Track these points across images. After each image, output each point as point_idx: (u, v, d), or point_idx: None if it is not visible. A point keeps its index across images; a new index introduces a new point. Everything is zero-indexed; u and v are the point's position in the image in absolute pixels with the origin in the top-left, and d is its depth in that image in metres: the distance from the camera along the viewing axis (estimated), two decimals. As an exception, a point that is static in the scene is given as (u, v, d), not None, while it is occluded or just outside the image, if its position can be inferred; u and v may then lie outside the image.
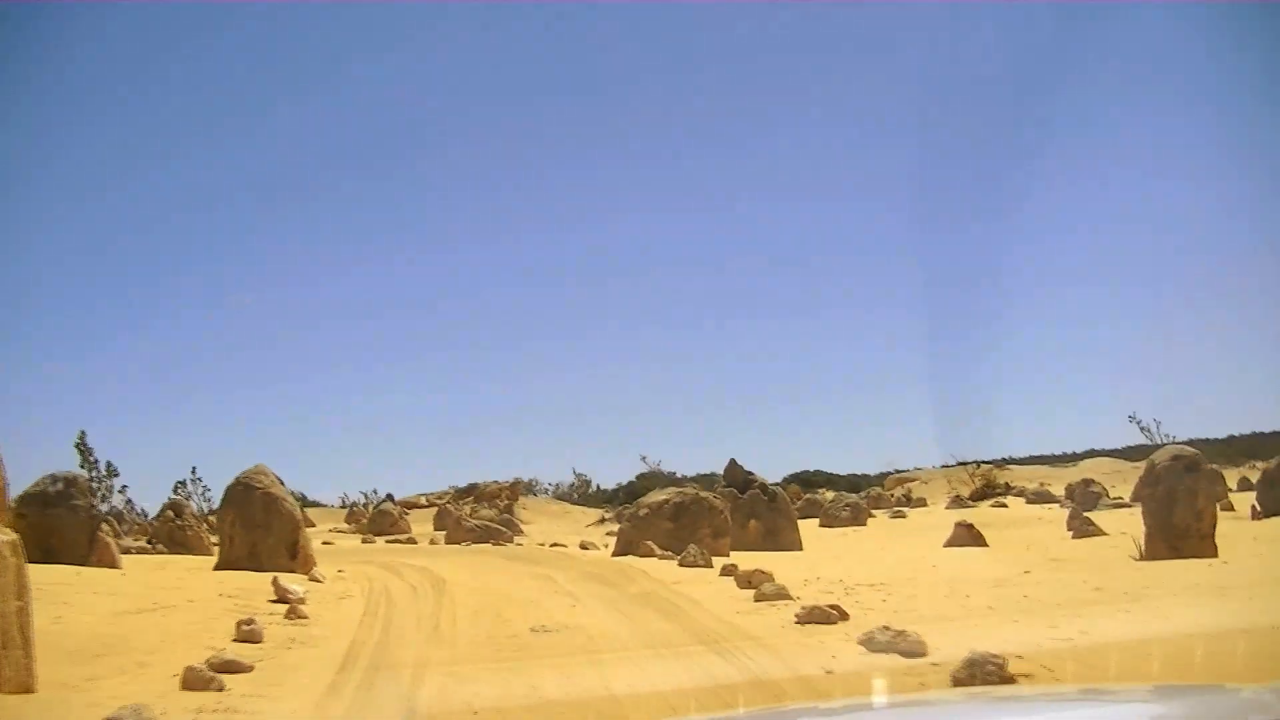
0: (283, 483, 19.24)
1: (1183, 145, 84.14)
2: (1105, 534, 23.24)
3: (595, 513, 58.27)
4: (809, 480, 79.56)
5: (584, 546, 25.51)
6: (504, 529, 34.80)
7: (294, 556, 18.03)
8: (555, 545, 26.51)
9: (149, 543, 26.67)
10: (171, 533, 25.47)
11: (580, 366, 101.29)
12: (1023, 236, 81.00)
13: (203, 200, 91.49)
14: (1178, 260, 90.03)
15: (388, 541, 32.04)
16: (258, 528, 18.04)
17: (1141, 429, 50.30)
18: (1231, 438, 63.37)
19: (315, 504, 70.73)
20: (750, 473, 28.20)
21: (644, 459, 66.66)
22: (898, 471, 76.75)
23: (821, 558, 21.41)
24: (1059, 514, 30.96)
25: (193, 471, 45.18)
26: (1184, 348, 78.27)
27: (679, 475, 72.18)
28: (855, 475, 79.64)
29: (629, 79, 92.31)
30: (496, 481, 60.34)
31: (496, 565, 20.81)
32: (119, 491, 39.94)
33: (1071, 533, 24.36)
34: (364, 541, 32.71)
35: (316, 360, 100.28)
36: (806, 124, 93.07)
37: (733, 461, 28.43)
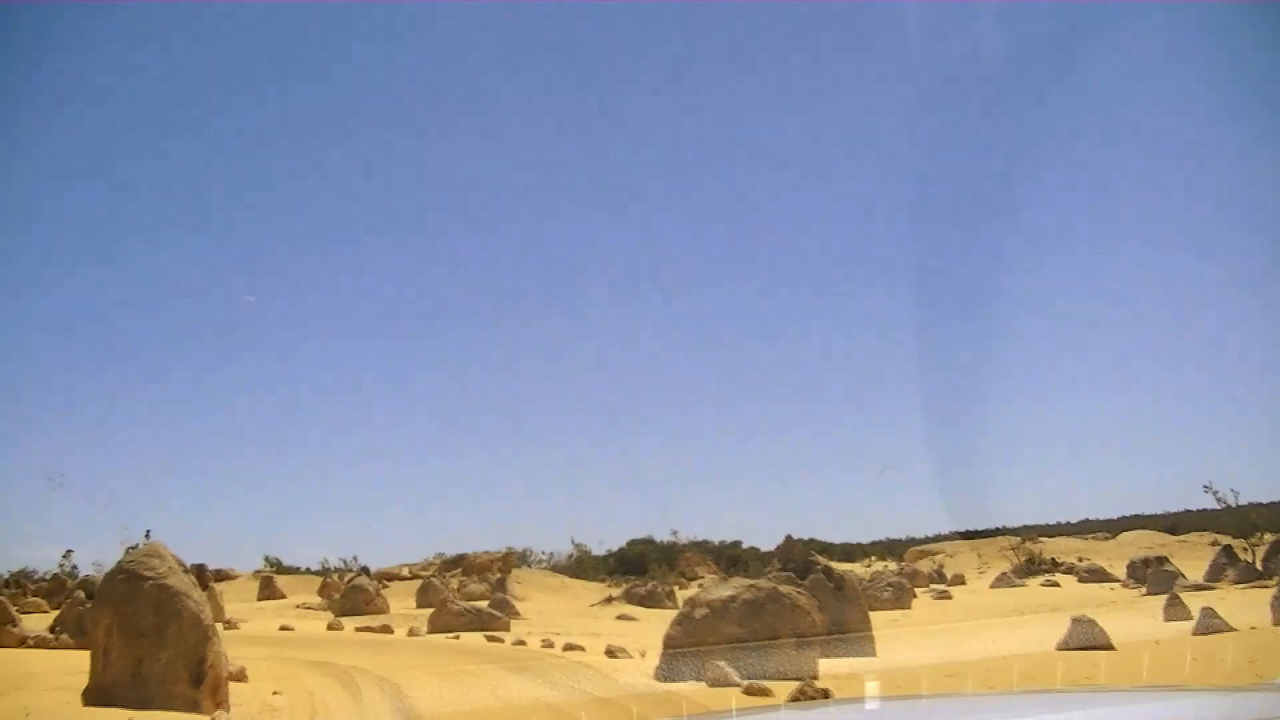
0: (190, 570, 13.61)
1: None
2: (1233, 628, 18.63)
3: (596, 588, 52.69)
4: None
5: (611, 654, 19.35)
6: (497, 613, 29.20)
7: (198, 681, 12.38)
8: (570, 648, 20.48)
9: (52, 630, 21.06)
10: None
11: (569, 433, 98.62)
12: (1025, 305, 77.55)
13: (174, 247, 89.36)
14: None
15: (358, 630, 26.23)
16: (145, 637, 12.33)
17: (1217, 498, 44.93)
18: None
19: (291, 569, 65.40)
20: (810, 551, 22.74)
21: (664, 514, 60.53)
22: (911, 541, 73.86)
23: (918, 665, 16.07)
24: (1129, 596, 29.02)
25: (146, 535, 39.33)
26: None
27: (675, 540, 69.91)
28: (849, 544, 77.03)
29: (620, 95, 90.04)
30: (487, 552, 54.77)
31: (496, 691, 15.01)
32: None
33: (1168, 620, 21.29)
34: (329, 628, 26.84)
35: (297, 417, 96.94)
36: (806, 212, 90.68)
37: (789, 538, 22.91)
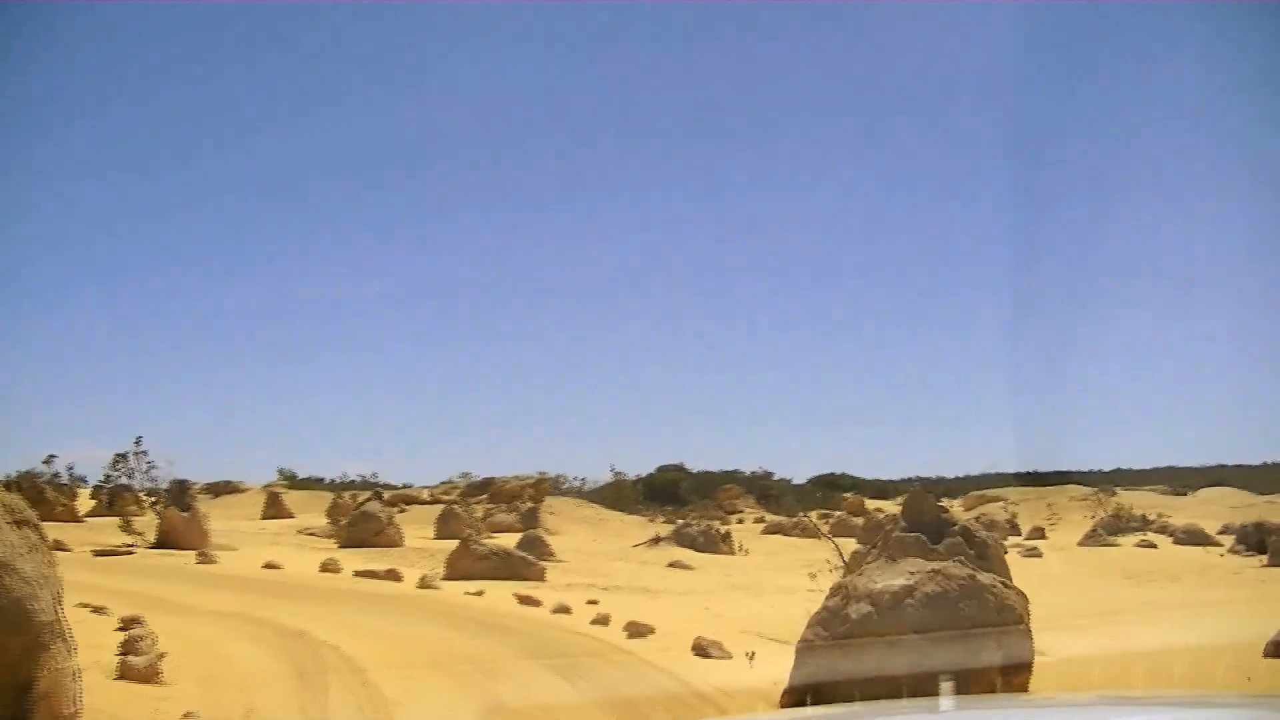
0: (28, 523, 8.19)
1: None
2: None
3: (636, 523, 47.77)
4: (834, 484, 71.70)
5: (703, 652, 12.96)
6: (529, 557, 24.09)
7: (26, 708, 7.09)
8: (636, 632, 14.53)
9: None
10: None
11: (604, 359, 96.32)
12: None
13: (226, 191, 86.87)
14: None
15: (358, 574, 21.03)
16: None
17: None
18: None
19: (307, 483, 61.06)
20: (943, 507, 17.58)
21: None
22: (961, 482, 69.57)
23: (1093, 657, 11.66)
24: (1241, 565, 26.81)
25: (136, 442, 34.17)
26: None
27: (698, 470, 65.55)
28: (882, 482, 72.86)
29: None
30: (518, 476, 49.81)
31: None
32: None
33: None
34: (324, 568, 21.71)
35: (324, 319, 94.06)
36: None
37: (919, 491, 17.68)
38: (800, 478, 71.44)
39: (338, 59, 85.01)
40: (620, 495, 56.87)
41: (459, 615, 15.70)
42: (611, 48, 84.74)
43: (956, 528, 16.62)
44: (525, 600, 17.38)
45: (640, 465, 66.50)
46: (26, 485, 40.33)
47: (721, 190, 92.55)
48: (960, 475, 70.78)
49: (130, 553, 24.60)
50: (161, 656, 10.67)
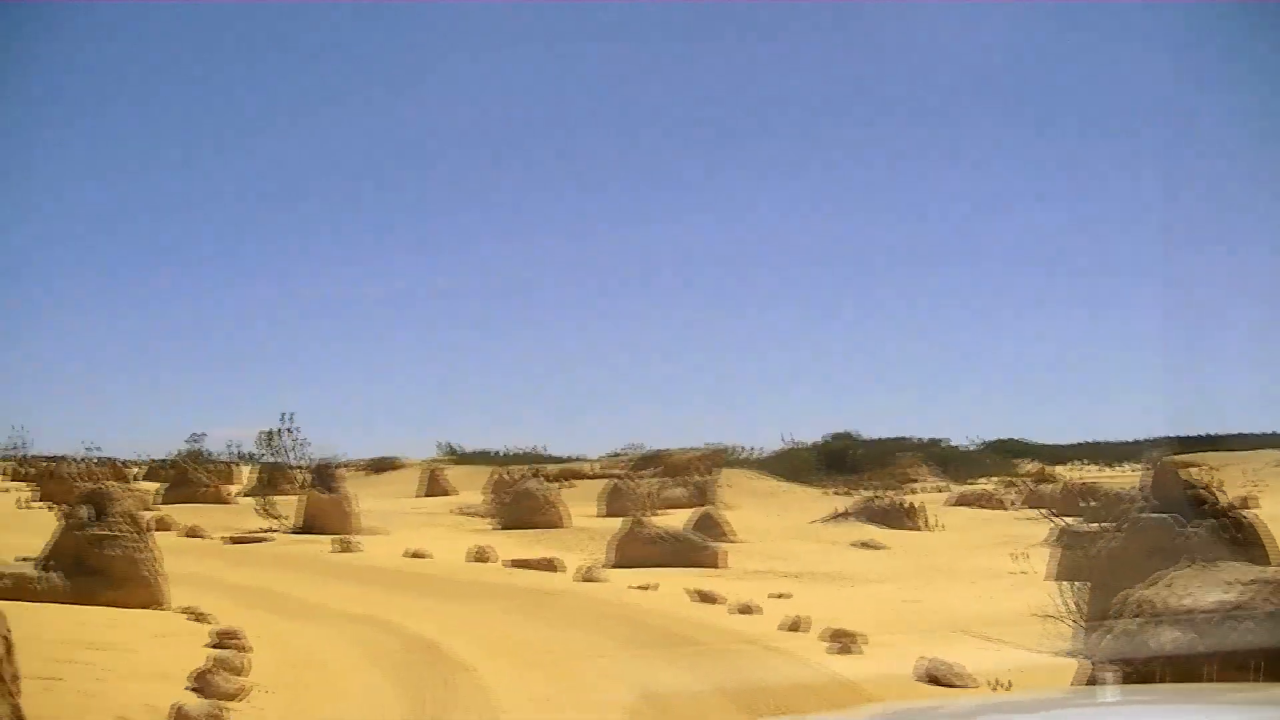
0: None
1: None
2: None
3: (813, 495, 44.73)
4: (1009, 449, 67.71)
5: (935, 677, 8.68)
6: (704, 540, 21.34)
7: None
8: (844, 645, 11.06)
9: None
10: (80, 549, 12.69)
11: (770, 325, 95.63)
12: None
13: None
14: None
15: (512, 564, 18.41)
16: None
17: None
18: None
19: (470, 458, 59.14)
20: (1196, 485, 14.18)
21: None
22: (1139, 444, 65.11)
23: None
24: None
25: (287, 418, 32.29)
26: None
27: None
28: (1054, 446, 69.64)
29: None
30: (688, 449, 47.16)
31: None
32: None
33: None
34: (475, 557, 19.19)
35: (488, 289, 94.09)
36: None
37: (1166, 466, 14.27)
38: (971, 443, 67.45)
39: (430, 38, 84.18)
40: (796, 466, 53.75)
41: (624, 620, 12.92)
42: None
43: (1213, 506, 13.23)
44: (702, 597, 14.52)
45: (807, 434, 63.16)
46: (170, 466, 39.12)
47: (893, 169, 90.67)
48: (1113, 440, 65.90)
49: (267, 539, 22.48)
50: (238, 694, 8.17)
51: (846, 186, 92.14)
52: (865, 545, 25.44)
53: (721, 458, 48.13)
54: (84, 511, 12.94)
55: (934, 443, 65.08)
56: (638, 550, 20.12)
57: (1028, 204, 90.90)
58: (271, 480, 35.18)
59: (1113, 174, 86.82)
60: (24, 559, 12.88)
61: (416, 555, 19.43)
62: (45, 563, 12.55)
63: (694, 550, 20.35)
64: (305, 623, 12.36)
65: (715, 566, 19.89)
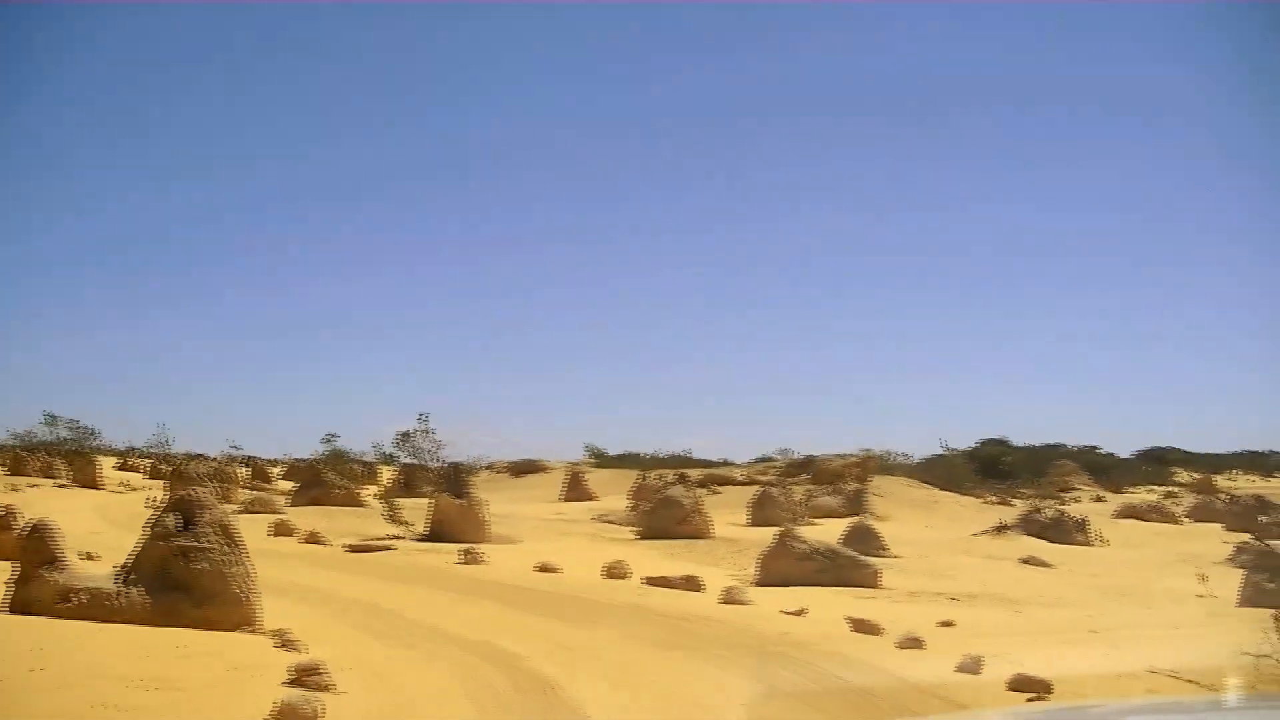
0: None
1: None
2: None
3: (971, 505, 42.38)
4: (1163, 458, 64.85)
5: None
6: (860, 556, 19.40)
7: None
8: (1034, 693, 9.05)
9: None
10: (165, 562, 11.36)
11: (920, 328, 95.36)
12: None
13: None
14: None
15: (648, 583, 16.63)
16: None
17: None
18: None
19: (617, 461, 57.77)
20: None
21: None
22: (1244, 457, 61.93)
23: None
24: None
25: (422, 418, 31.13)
26: None
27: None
28: (1211, 455, 68.09)
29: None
30: (842, 455, 45.11)
31: None
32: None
33: None
34: (609, 573, 17.50)
35: (638, 302, 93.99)
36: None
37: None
38: (1125, 450, 64.57)
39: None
40: (951, 473, 51.30)
41: (774, 658, 11.10)
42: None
43: None
44: (859, 626, 12.64)
45: (955, 440, 61.02)
46: (305, 467, 38.26)
47: (1053, 165, 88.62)
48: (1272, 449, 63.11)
49: (389, 548, 21.09)
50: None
51: (1000, 182, 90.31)
52: (1032, 562, 23.32)
53: (875, 464, 45.97)
54: (170, 520, 11.62)
55: (1089, 450, 62.60)
56: (787, 567, 18.34)
57: (1191, 203, 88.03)
58: (409, 483, 34.19)
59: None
60: (120, 569, 11.61)
61: (546, 569, 17.86)
62: (126, 577, 11.24)
63: (849, 568, 18.49)
64: (408, 650, 10.86)
65: (872, 586, 18.04)
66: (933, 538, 29.35)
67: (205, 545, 11.38)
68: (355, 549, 20.63)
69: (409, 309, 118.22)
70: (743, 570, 20.34)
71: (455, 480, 24.35)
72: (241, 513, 29.38)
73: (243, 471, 62.22)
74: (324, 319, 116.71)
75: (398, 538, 23.22)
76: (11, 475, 44.69)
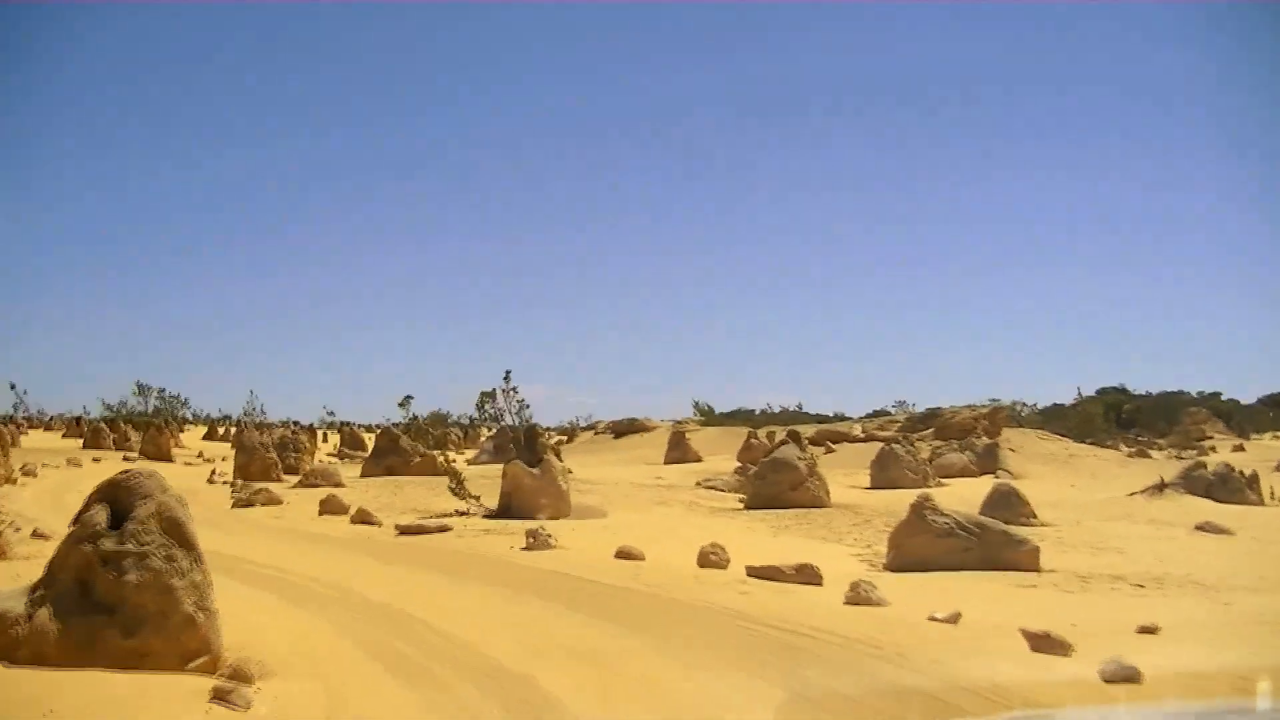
0: None
1: None
2: None
3: (1112, 459, 38.59)
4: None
5: None
6: (1014, 534, 15.80)
7: None
8: None
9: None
10: (86, 572, 8.32)
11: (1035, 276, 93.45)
12: None
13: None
14: None
15: (750, 573, 13.20)
16: None
17: None
18: None
19: (725, 417, 54.98)
20: None
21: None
22: None
23: None
24: None
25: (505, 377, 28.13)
26: None
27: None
28: None
29: None
30: (970, 406, 41.34)
31: None
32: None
33: None
34: (704, 560, 14.03)
35: (748, 251, 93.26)
36: None
37: None
38: (1245, 396, 60.45)
39: None
40: (1088, 424, 47.44)
41: (936, 704, 7.68)
42: None
43: None
44: (1039, 643, 9.12)
45: (1059, 391, 58.15)
46: (381, 433, 35.51)
47: None
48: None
49: (445, 529, 17.93)
50: None
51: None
52: (1207, 529, 19.63)
53: (1005, 416, 42.19)
54: (98, 515, 8.55)
55: (1212, 396, 58.64)
56: (925, 546, 14.96)
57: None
58: (501, 447, 31.43)
59: None
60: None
61: (626, 556, 14.54)
62: (35, 595, 8.24)
63: (1000, 546, 15.02)
64: (410, 692, 7.72)
65: (1030, 569, 14.61)
66: (1080, 499, 25.78)
67: (140, 549, 8.28)
68: (406, 530, 17.57)
69: (526, 274, 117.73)
70: (868, 548, 16.99)
71: (529, 445, 21.13)
72: (301, 485, 26.83)
73: (334, 438, 60.41)
74: (434, 283, 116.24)
75: (464, 514, 20.21)
76: (88, 448, 43.17)
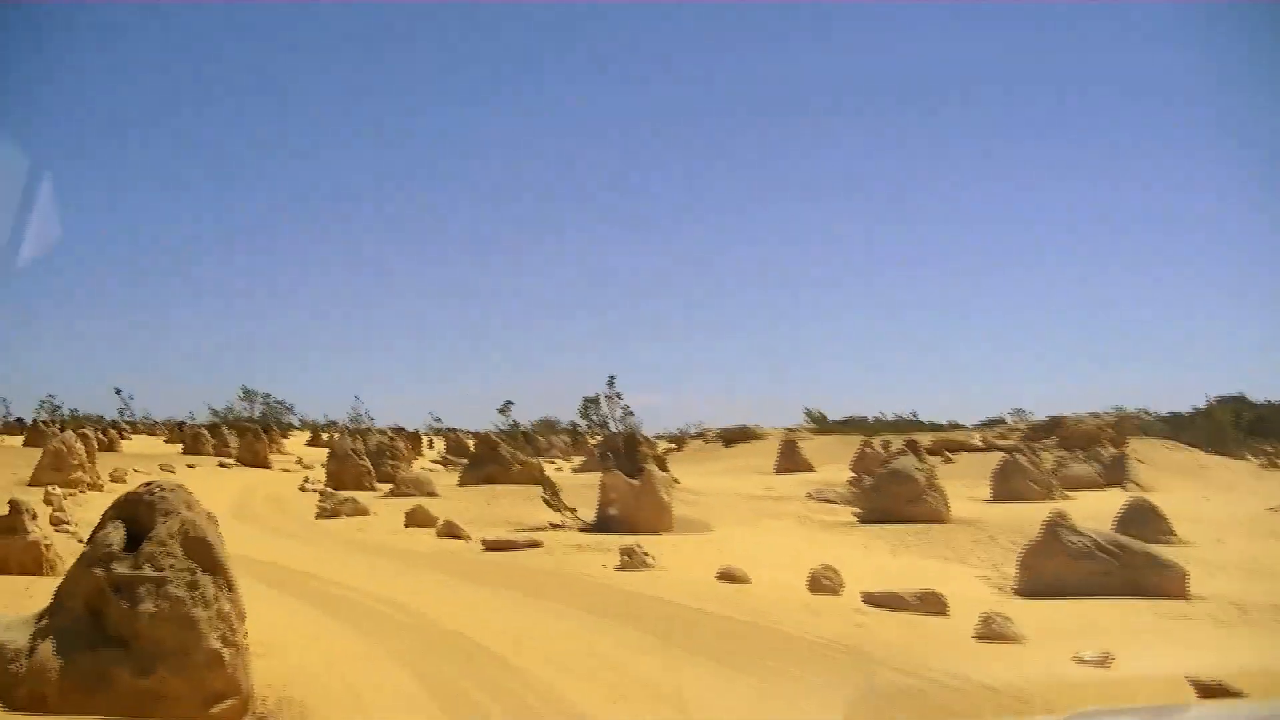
0: None
1: None
2: None
3: (1244, 468, 36.54)
4: None
5: None
6: (1158, 557, 14.17)
7: None
8: None
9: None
10: (97, 600, 7.20)
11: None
12: None
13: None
14: None
15: (867, 600, 11.66)
16: None
17: None
18: None
19: (838, 425, 53.28)
20: None
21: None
22: None
23: None
24: None
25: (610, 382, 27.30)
26: None
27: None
28: None
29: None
30: (1094, 414, 39.30)
31: None
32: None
33: None
34: (816, 582, 12.65)
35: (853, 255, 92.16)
36: None
37: None
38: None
39: None
40: (1219, 433, 45.10)
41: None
42: None
43: None
44: (1209, 695, 7.64)
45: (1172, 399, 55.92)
46: (480, 440, 34.53)
47: None
48: None
49: (535, 544, 16.68)
50: None
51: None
52: None
53: (1133, 424, 40.10)
54: (113, 534, 7.46)
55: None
56: (1060, 568, 13.48)
57: None
58: (604, 455, 30.31)
59: None
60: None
61: (730, 578, 13.17)
62: (41, 625, 7.16)
63: (1143, 569, 13.48)
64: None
65: (1177, 596, 13.03)
66: (1218, 514, 23.90)
67: (158, 574, 7.15)
68: (493, 546, 16.36)
69: (640, 277, 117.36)
70: (995, 568, 15.50)
71: (629, 453, 19.87)
72: (392, 494, 25.91)
73: (439, 444, 59.86)
74: (557, 288, 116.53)
75: (559, 526, 19.02)
76: (187, 453, 42.93)
